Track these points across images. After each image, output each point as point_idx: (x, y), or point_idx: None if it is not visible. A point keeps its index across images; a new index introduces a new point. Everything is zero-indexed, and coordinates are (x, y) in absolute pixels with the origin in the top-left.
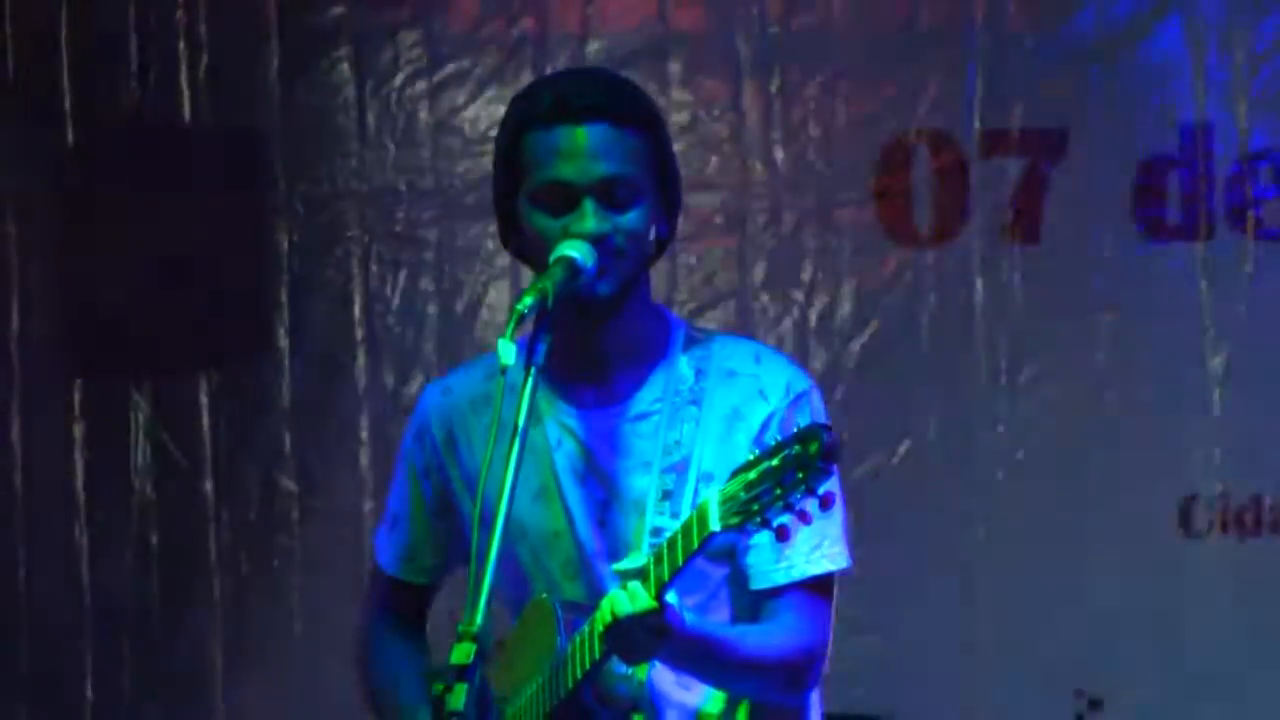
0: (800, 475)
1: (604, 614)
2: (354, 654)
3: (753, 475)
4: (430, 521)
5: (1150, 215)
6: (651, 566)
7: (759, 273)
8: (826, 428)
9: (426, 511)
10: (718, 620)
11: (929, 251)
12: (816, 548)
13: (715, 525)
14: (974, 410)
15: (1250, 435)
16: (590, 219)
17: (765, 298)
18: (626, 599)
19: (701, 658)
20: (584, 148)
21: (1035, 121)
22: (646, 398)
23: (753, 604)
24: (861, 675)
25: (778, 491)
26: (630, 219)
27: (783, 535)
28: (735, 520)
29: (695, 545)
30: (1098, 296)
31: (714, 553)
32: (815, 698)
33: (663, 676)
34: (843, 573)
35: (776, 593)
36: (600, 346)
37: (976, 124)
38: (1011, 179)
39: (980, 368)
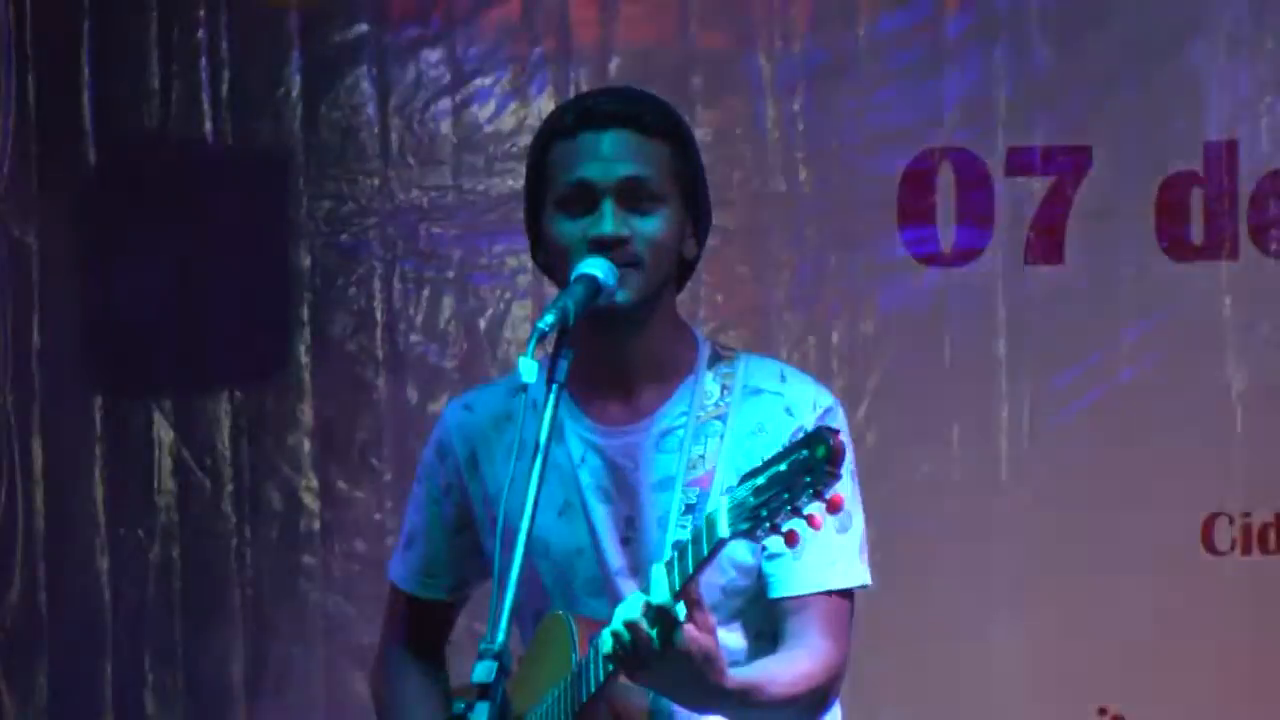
0: (808, 479)
1: (612, 623)
2: (369, 673)
3: (761, 481)
4: (449, 539)
5: (1174, 233)
6: (665, 573)
7: (782, 291)
8: (834, 431)
9: (445, 529)
10: (735, 640)
11: (952, 270)
12: (837, 562)
13: (724, 532)
14: (997, 429)
15: (1273, 454)
16: (609, 221)
17: (788, 316)
18: (634, 604)
19: (733, 704)
20: (605, 151)
21: (1059, 139)
22: (671, 414)
23: (771, 620)
24: (883, 692)
25: (785, 496)
26: (650, 225)
27: (792, 540)
28: (745, 526)
29: (705, 553)
30: (1121, 315)
31: (742, 571)
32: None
33: None
34: (863, 590)
35: (797, 605)
36: (624, 362)
37: (1000, 142)
38: (1035, 197)
39: (1003, 386)
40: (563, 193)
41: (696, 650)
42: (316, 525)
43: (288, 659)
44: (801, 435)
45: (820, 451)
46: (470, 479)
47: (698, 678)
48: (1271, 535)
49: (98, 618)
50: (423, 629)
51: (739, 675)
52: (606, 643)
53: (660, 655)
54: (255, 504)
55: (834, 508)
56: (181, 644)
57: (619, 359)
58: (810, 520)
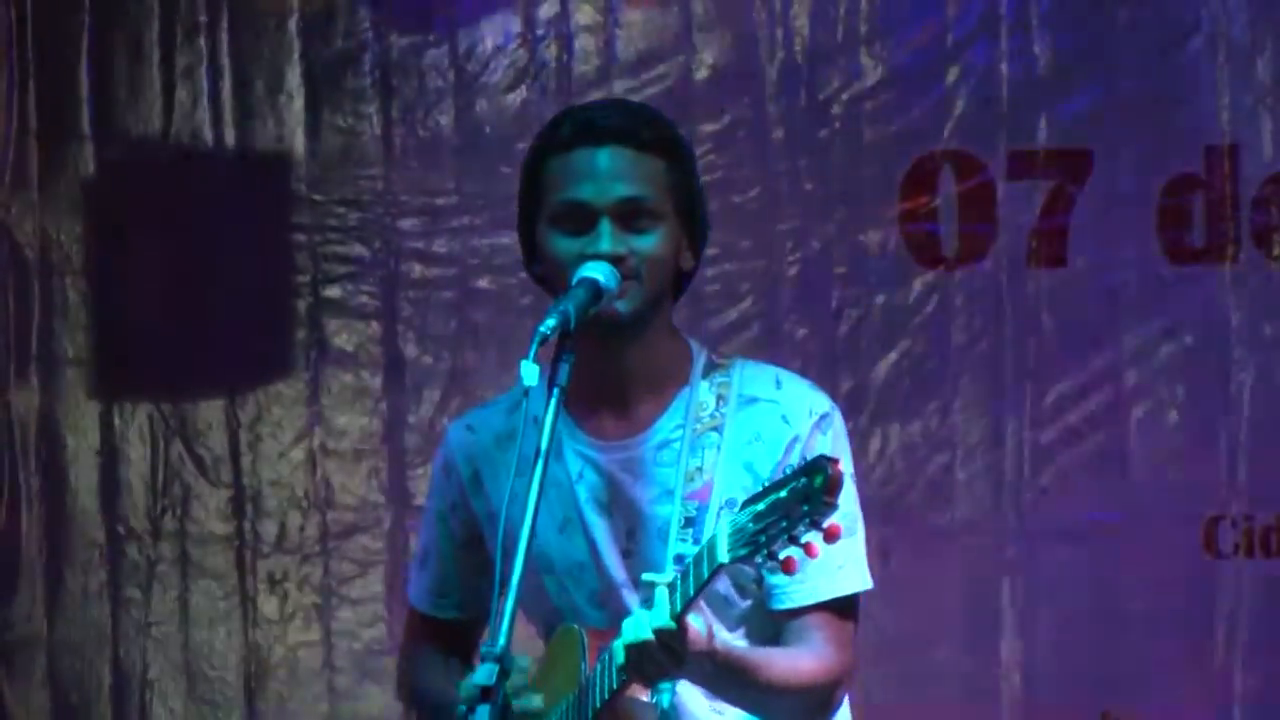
0: (805, 509)
1: (622, 638)
2: (396, 686)
3: (761, 507)
4: (459, 557)
5: (1176, 237)
6: (667, 594)
7: (785, 295)
8: (832, 461)
9: (454, 547)
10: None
11: (955, 273)
12: (840, 569)
13: (723, 558)
14: (1000, 431)
15: (1275, 456)
16: (606, 240)
17: (792, 320)
18: (642, 622)
19: (726, 679)
20: (602, 169)
21: (1060, 142)
22: (667, 425)
23: (775, 627)
24: (888, 694)
25: (784, 524)
26: (647, 242)
27: (789, 568)
28: (743, 552)
29: (705, 576)
30: (1123, 318)
31: (740, 583)
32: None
33: (696, 702)
34: (864, 593)
35: (799, 614)
36: (621, 373)
37: (1002, 145)
38: (1037, 200)
39: (1006, 389)
40: (558, 210)
41: (701, 647)
42: (316, 528)
43: (287, 662)
44: (798, 448)
45: (818, 481)
46: (474, 497)
47: (706, 667)
48: (1274, 538)
49: (98, 620)
50: (439, 646)
51: (739, 653)
52: (619, 656)
53: (671, 667)
54: (255, 506)
55: (831, 537)
56: (181, 647)
57: (616, 370)
58: (807, 548)
